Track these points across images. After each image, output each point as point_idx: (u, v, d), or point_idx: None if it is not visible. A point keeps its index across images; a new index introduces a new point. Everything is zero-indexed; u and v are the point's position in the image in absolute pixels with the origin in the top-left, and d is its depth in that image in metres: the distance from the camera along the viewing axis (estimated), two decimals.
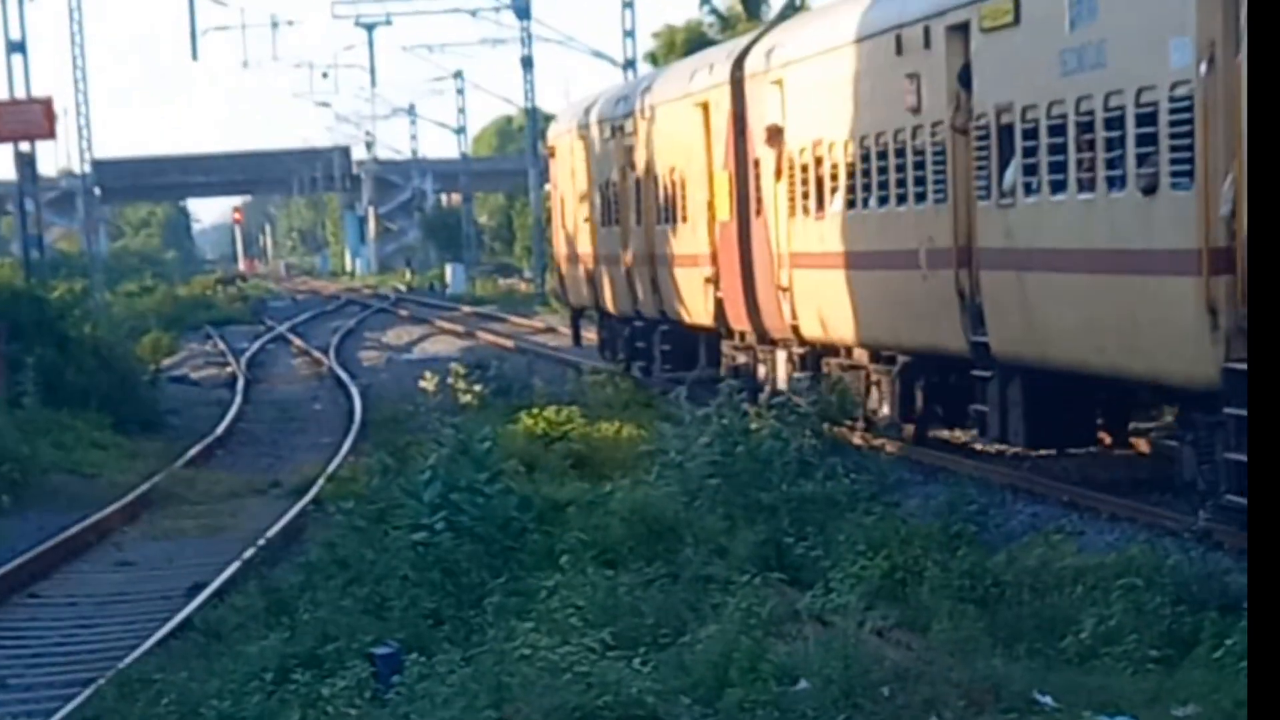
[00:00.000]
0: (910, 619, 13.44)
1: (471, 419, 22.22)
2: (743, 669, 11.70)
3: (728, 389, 19.51)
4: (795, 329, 25.78)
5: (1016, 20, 19.05)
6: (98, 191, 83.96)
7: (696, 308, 30.26)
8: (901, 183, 22.01)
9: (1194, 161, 15.90)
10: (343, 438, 30.26)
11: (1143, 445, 21.51)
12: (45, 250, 49.31)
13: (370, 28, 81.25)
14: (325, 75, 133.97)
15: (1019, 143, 19.11)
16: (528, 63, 71.90)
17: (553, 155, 40.89)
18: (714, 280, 29.07)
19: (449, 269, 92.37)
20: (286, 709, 12.31)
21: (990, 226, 19.99)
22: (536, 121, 72.83)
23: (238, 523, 23.21)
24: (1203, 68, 15.68)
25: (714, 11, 65.09)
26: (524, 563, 15.81)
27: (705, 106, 28.92)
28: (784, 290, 25.88)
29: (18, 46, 47.89)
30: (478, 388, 30.07)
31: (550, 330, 53.92)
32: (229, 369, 47.06)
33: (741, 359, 28.63)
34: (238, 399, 38.26)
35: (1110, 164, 17.37)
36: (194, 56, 74.92)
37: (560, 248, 40.70)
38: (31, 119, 43.30)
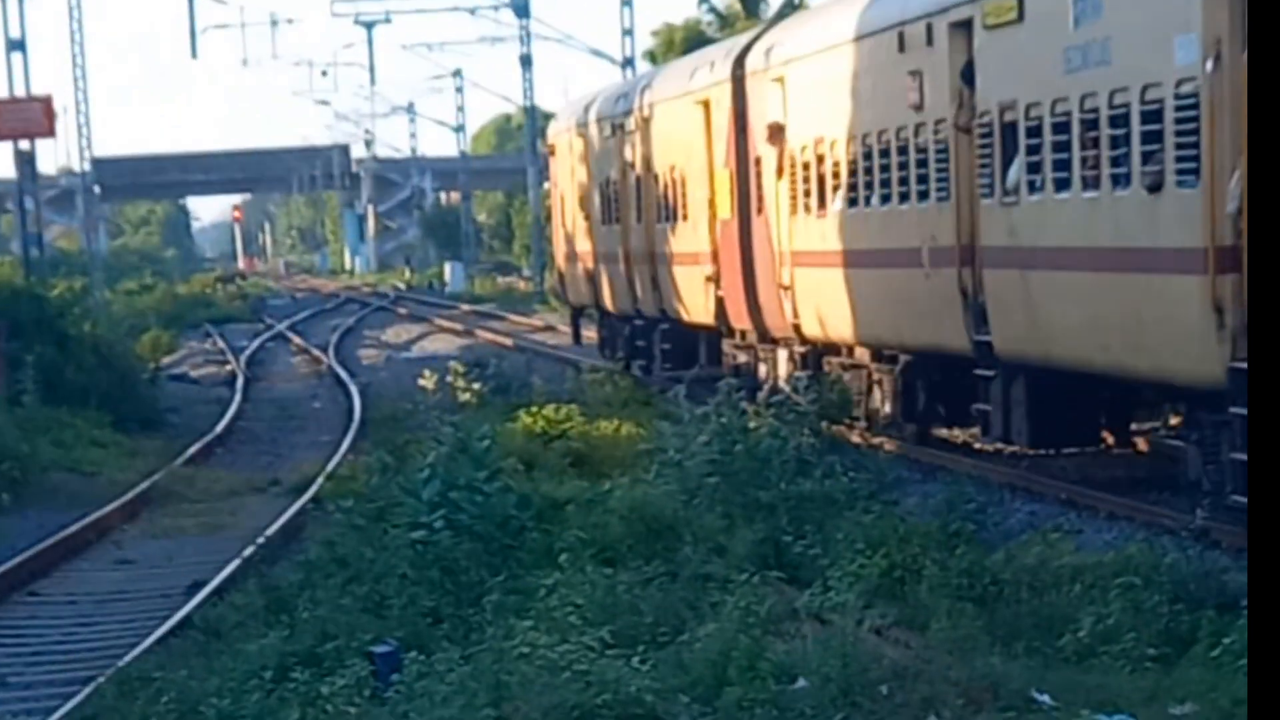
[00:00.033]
0: (908, 617, 13.44)
1: (470, 417, 22.18)
2: (741, 667, 11.70)
3: (726, 387, 19.48)
4: (797, 328, 25.73)
5: (1020, 17, 18.99)
6: (97, 190, 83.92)
7: (697, 306, 30.21)
8: (904, 181, 21.95)
9: (1200, 159, 15.84)
10: (342, 436, 30.25)
11: (1141, 444, 21.47)
12: (45, 248, 49.35)
13: (369, 26, 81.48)
14: (325, 73, 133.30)
15: (1023, 140, 19.05)
16: (527, 61, 71.92)
17: (552, 153, 40.82)
18: (715, 279, 29.02)
19: (448, 267, 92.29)
20: (286, 707, 12.30)
21: (994, 225, 19.94)
22: (535, 120, 72.83)
23: (237, 521, 23.21)
24: (1208, 65, 15.61)
25: (713, 10, 65.18)
26: (523, 561, 15.80)
27: (706, 104, 28.88)
28: (785, 289, 25.83)
29: (17, 44, 47.94)
30: (477, 386, 30.05)
31: (549, 329, 53.87)
32: (228, 367, 47.03)
33: (742, 358, 28.58)
34: (237, 397, 38.23)
35: (1115, 162, 17.31)
36: (193, 55, 74.87)
37: (560, 246, 40.62)
38: (31, 117, 43.32)
